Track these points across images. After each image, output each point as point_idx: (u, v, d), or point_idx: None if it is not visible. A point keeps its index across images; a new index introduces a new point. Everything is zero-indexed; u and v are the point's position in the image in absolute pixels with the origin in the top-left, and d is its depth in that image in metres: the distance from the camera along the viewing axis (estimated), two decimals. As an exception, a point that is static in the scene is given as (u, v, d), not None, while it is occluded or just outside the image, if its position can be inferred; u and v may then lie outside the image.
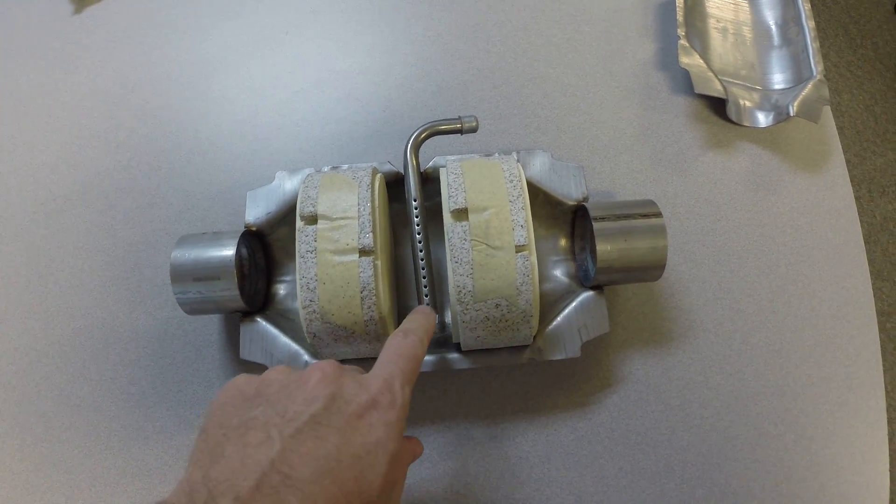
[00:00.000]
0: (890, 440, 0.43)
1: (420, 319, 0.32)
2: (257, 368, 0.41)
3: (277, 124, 0.50)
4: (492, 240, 0.35)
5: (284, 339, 0.39)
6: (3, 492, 0.41)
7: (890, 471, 0.42)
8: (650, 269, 0.39)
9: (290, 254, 0.42)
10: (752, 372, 0.43)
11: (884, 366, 0.44)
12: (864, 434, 0.43)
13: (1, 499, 0.41)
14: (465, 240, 0.35)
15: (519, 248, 0.35)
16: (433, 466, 0.41)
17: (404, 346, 0.29)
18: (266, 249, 0.42)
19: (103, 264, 0.46)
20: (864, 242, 0.47)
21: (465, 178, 0.37)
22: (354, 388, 0.26)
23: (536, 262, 0.35)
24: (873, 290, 0.46)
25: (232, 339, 0.44)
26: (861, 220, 0.47)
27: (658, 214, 0.39)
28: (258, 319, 0.40)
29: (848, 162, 0.49)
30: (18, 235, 0.47)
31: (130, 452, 0.42)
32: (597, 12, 0.53)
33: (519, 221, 0.35)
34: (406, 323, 0.32)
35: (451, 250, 0.35)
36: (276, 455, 0.23)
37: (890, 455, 0.43)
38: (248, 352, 0.39)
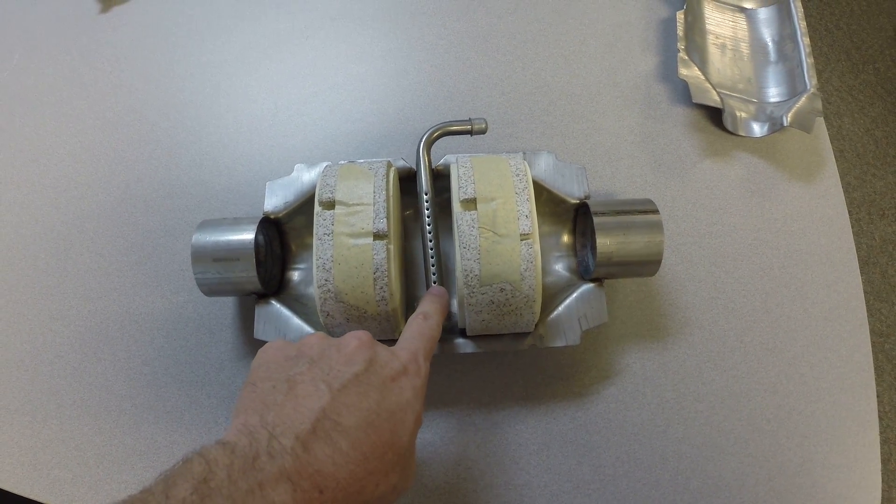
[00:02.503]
0: (884, 462, 0.44)
1: (437, 303, 0.36)
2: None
3: (295, 122, 0.52)
4: (498, 228, 0.37)
5: (297, 321, 0.40)
6: (11, 467, 0.42)
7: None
8: (647, 264, 0.41)
9: (305, 243, 0.44)
10: (745, 369, 0.45)
11: (882, 386, 0.45)
12: (856, 434, 0.43)
13: (8, 474, 0.42)
14: (473, 227, 0.37)
15: (523, 237, 0.37)
16: (435, 450, 0.42)
17: (425, 327, 0.33)
18: (282, 237, 0.44)
19: (122, 249, 0.48)
20: (863, 264, 0.49)
21: (474, 171, 0.39)
22: (387, 355, 0.30)
23: (539, 250, 0.37)
24: (872, 311, 0.47)
25: (245, 323, 0.46)
26: (860, 243, 0.49)
27: (655, 211, 0.41)
28: (273, 302, 0.41)
29: (848, 184, 0.51)
30: (40, 220, 0.49)
31: (140, 431, 0.43)
32: (602, 27, 0.56)
33: (524, 212, 0.37)
34: (425, 305, 0.35)
35: (460, 237, 0.37)
36: (326, 404, 0.26)
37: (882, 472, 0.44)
38: (262, 332, 0.40)
